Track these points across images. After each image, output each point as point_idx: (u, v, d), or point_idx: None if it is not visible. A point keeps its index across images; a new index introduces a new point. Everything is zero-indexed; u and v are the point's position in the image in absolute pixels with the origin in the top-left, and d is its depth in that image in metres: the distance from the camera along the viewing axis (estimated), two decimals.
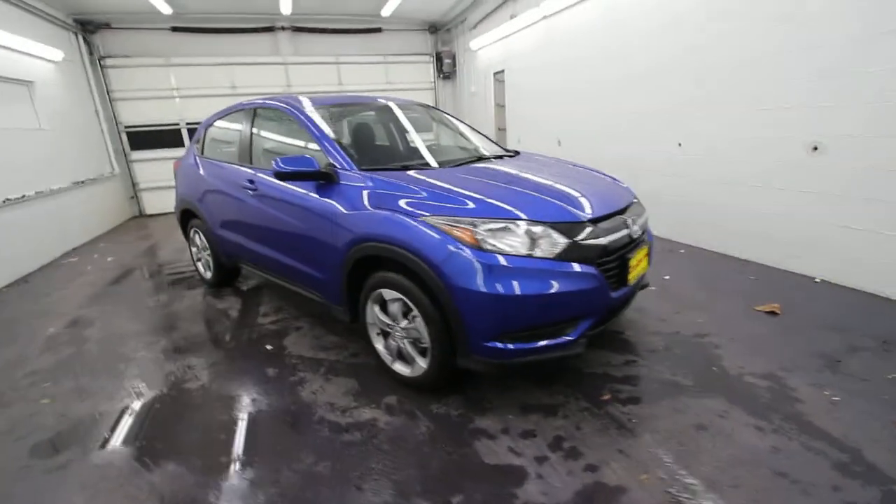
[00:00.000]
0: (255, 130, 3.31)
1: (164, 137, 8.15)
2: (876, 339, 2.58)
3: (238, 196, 3.27)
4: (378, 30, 9.06)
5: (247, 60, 8.34)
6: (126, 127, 7.95)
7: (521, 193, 2.26)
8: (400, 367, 2.43)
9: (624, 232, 2.28)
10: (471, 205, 2.08)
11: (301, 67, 8.75)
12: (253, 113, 3.37)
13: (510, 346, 1.99)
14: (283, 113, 3.10)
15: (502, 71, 7.77)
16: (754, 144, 3.77)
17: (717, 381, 2.33)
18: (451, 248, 1.98)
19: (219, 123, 3.84)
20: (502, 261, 1.94)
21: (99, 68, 7.53)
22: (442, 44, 9.66)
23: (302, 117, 2.88)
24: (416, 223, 2.10)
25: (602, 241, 2.12)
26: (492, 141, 3.63)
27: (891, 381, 2.23)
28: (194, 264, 4.39)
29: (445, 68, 9.50)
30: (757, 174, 3.80)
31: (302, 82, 8.79)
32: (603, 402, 2.22)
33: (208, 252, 3.98)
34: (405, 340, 2.33)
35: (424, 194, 2.21)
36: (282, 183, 2.81)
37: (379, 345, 2.51)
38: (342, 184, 2.49)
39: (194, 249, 4.28)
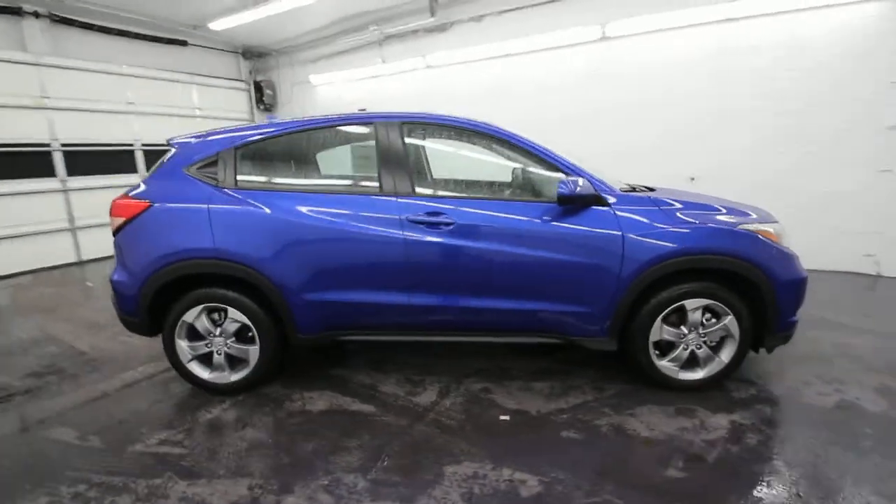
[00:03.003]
0: (418, 152, 2.52)
1: None
2: None
3: (385, 236, 2.40)
4: (183, 43, 7.14)
5: None
6: None
7: (735, 204, 2.83)
8: (687, 375, 2.55)
9: None
10: (753, 214, 2.55)
11: (64, 74, 5.88)
12: (401, 129, 2.55)
13: (795, 317, 2.58)
14: (480, 134, 2.58)
15: (364, 109, 7.63)
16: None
17: None
18: (770, 248, 2.42)
19: (277, 141, 2.58)
20: (794, 251, 2.52)
21: None
22: (257, 72, 8.45)
23: (523, 141, 2.51)
24: (735, 231, 2.41)
25: None
26: None
27: None
28: (180, 367, 2.60)
29: (266, 99, 8.36)
30: None
31: (67, 94, 5.91)
32: None
33: (255, 336, 2.53)
34: (702, 342, 2.50)
35: (689, 207, 2.50)
36: (502, 215, 2.39)
37: (664, 360, 2.53)
38: (612, 207, 2.42)
39: (192, 346, 2.57)
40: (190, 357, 2.61)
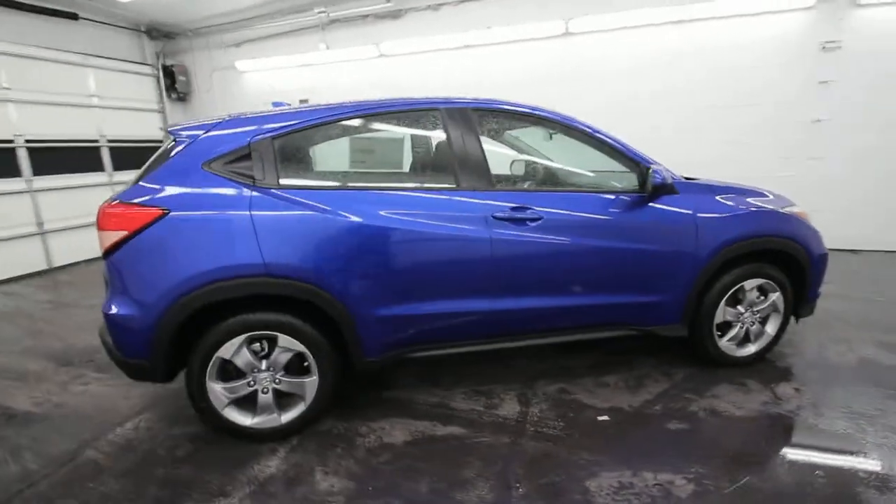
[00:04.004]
0: (472, 143, 2.23)
1: None
2: None
3: (469, 236, 2.14)
4: (73, 16, 5.75)
5: None
6: None
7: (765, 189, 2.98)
8: (742, 351, 2.69)
9: None
10: (770, 196, 2.74)
11: None
12: (472, 116, 2.27)
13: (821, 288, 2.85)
14: (551, 122, 2.42)
15: (306, 100, 6.93)
16: None
17: None
18: (808, 227, 2.63)
19: (324, 130, 2.14)
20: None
21: None
22: (166, 55, 7.18)
23: (591, 130, 2.39)
24: (783, 214, 2.58)
25: None
26: None
27: None
28: (213, 416, 2.05)
29: (180, 87, 7.16)
30: None
31: None
32: None
33: (313, 365, 2.08)
34: (755, 319, 2.65)
35: (738, 193, 2.64)
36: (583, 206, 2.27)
37: (723, 340, 2.63)
38: (682, 194, 2.44)
39: (229, 387, 2.04)
40: (227, 401, 2.07)
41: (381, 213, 2.06)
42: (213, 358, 1.99)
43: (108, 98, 6.29)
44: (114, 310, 1.93)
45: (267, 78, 7.07)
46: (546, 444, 2.10)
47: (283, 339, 2.05)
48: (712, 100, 5.25)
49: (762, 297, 2.64)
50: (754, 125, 5.17)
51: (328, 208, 2.02)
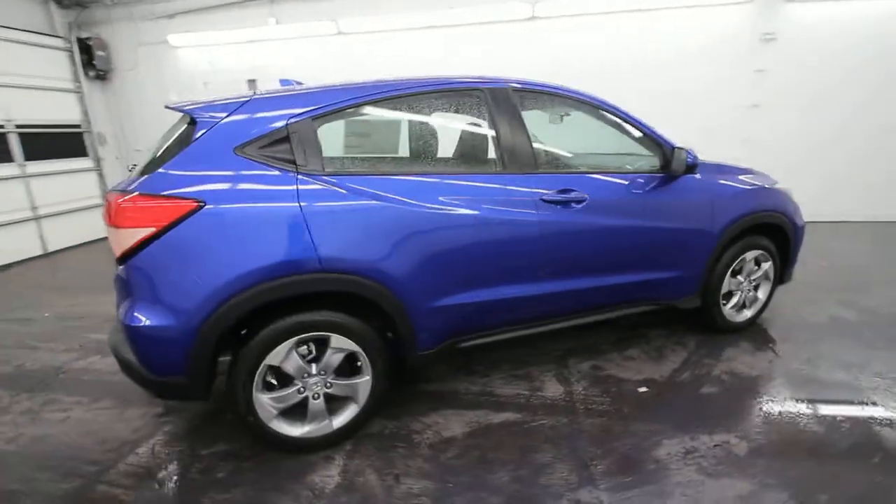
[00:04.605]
0: (516, 124, 2.17)
1: None
2: None
3: (520, 220, 2.11)
4: None
5: None
6: None
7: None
8: (740, 317, 2.94)
9: None
10: (756, 173, 2.99)
11: None
12: (513, 96, 2.20)
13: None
14: (581, 103, 2.40)
15: (254, 81, 6.33)
16: None
17: None
18: (792, 202, 2.92)
19: (365, 110, 1.96)
20: None
21: None
22: (80, 26, 6.17)
23: (621, 112, 2.42)
24: (777, 190, 2.83)
25: None
26: None
27: None
28: (260, 430, 1.85)
29: (99, 63, 6.22)
30: None
31: None
32: None
33: (366, 364, 1.95)
34: (751, 287, 2.91)
35: (738, 171, 2.86)
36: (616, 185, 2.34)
37: (726, 308, 2.85)
38: (700, 174, 2.58)
39: (277, 397, 1.85)
40: (275, 413, 1.88)
41: (440, 198, 1.95)
42: (261, 366, 1.79)
43: (12, 75, 5.30)
44: (142, 321, 1.65)
45: (206, 55, 6.38)
46: (602, 420, 2.16)
47: (336, 339, 1.88)
48: (668, 87, 5.60)
49: (756, 267, 2.91)
50: (704, 111, 5.61)
51: (382, 195, 1.87)
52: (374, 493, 1.77)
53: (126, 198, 1.64)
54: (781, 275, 3.02)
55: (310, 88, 1.97)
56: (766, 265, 2.90)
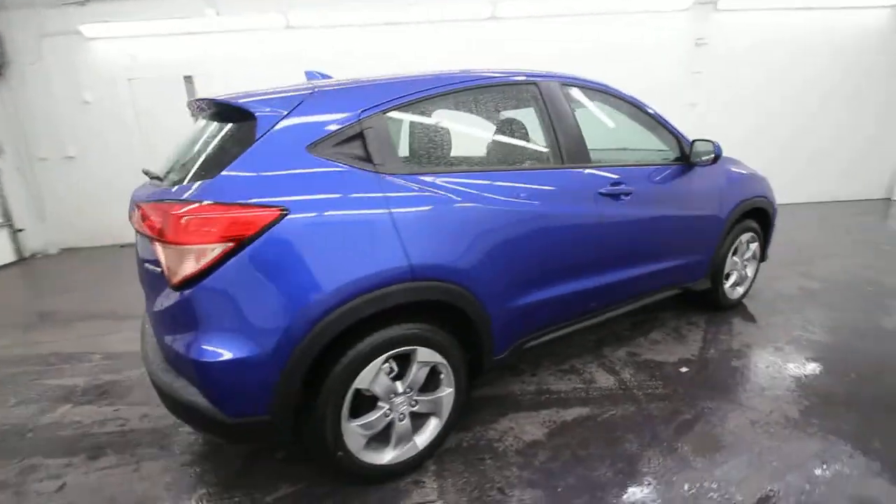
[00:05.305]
0: (570, 118, 2.16)
1: None
2: None
3: (583, 214, 2.12)
4: None
5: None
6: None
7: None
8: (736, 294, 3.23)
9: None
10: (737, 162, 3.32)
11: None
12: (562, 90, 2.20)
13: None
14: (612, 98, 2.49)
15: (190, 77, 5.65)
16: None
17: None
18: (769, 186, 3.26)
19: (433, 103, 1.83)
20: None
21: None
22: None
23: (644, 105, 2.51)
24: (761, 177, 3.14)
25: None
26: None
27: None
28: (348, 463, 1.63)
29: None
30: None
31: None
32: None
33: (449, 376, 1.82)
34: (744, 265, 3.20)
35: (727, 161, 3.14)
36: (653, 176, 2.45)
37: (726, 286, 3.11)
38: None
39: (366, 424, 1.65)
40: (364, 441, 1.68)
41: (516, 195, 1.88)
42: (350, 390, 1.59)
43: None
44: (221, 354, 1.37)
45: (128, 47, 5.58)
46: (665, 403, 2.24)
47: (423, 353, 1.74)
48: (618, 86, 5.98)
49: (748, 248, 3.21)
50: None
51: (461, 194, 1.76)
52: None
53: (189, 207, 1.36)
54: (762, 254, 3.37)
55: (374, 80, 1.78)
56: (754, 245, 3.22)
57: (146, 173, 1.89)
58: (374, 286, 1.55)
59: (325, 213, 1.49)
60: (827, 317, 3.06)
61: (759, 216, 3.18)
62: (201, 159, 1.56)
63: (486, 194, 1.82)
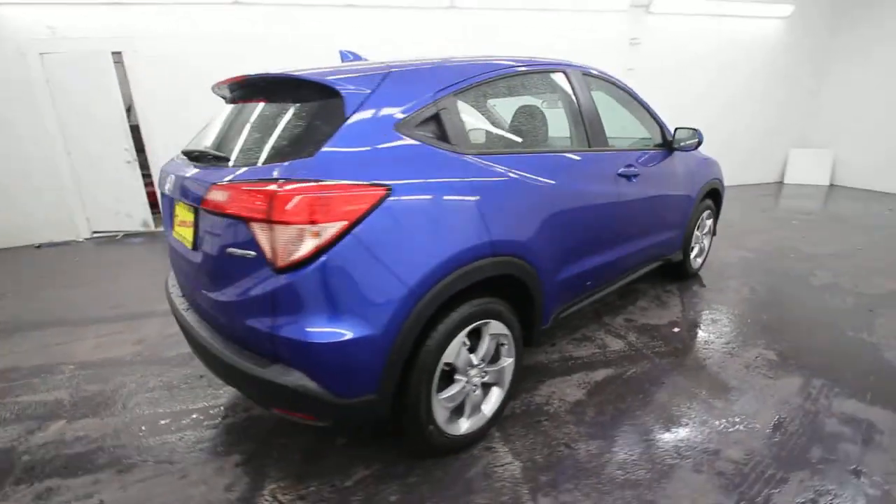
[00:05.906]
0: (592, 104, 2.34)
1: None
2: None
3: (609, 192, 2.34)
4: None
5: None
6: None
7: None
8: (697, 263, 3.69)
9: None
10: None
11: None
12: (584, 79, 2.39)
13: None
14: (612, 86, 2.72)
15: (119, 53, 4.98)
16: None
17: None
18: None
19: (490, 87, 1.90)
20: None
21: None
22: None
23: (636, 95, 2.77)
24: (713, 160, 3.61)
25: None
26: None
27: None
28: (432, 440, 1.67)
29: None
30: None
31: None
32: None
33: (511, 345, 1.93)
34: (703, 238, 3.68)
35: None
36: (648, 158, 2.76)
37: (692, 255, 3.55)
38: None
39: (450, 397, 1.71)
40: (448, 415, 1.73)
41: (565, 174, 2.03)
42: (440, 364, 1.64)
43: None
44: (343, 334, 1.35)
45: (42, 16, 4.78)
46: (673, 359, 2.55)
47: (495, 326, 1.83)
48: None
49: (706, 223, 3.69)
50: None
51: (521, 174, 1.86)
52: (564, 464, 1.81)
53: (296, 186, 1.31)
54: (714, 228, 3.90)
55: (442, 62, 1.81)
56: (709, 222, 3.72)
57: (187, 154, 1.74)
58: (467, 261, 1.61)
59: (423, 191, 1.52)
60: (767, 278, 3.65)
61: (714, 196, 3.67)
62: (276, 138, 1.49)
63: (539, 175, 1.94)
